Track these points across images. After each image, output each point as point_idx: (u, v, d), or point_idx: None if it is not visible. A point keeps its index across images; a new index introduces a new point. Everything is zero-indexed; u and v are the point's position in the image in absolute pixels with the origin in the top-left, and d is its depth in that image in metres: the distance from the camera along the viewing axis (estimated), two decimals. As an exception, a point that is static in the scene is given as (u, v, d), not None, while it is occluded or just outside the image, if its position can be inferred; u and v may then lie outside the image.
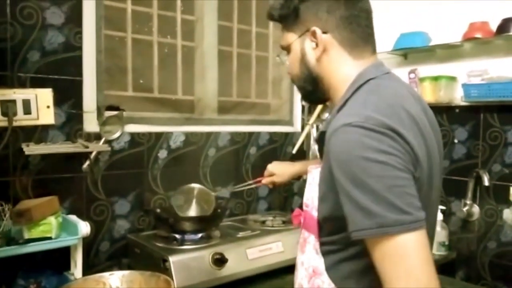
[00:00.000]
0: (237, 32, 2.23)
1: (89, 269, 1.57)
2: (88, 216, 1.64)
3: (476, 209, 1.88)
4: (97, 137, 1.66)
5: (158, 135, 1.86)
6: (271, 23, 2.35)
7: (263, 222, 1.96)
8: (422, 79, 1.97)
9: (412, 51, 2.05)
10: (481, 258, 1.88)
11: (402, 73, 1.98)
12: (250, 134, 2.18)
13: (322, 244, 0.87)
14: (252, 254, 1.64)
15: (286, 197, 2.36)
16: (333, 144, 0.74)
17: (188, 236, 1.63)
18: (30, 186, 1.53)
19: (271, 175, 1.48)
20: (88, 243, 1.64)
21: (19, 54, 1.49)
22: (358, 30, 0.86)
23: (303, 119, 2.40)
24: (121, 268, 1.69)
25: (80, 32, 1.62)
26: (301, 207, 0.99)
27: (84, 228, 1.42)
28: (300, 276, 0.94)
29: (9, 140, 1.44)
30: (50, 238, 1.35)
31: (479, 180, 1.84)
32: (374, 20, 0.89)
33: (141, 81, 1.92)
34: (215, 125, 2.08)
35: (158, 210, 1.77)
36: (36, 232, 1.33)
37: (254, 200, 2.21)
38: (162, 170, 1.87)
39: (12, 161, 1.49)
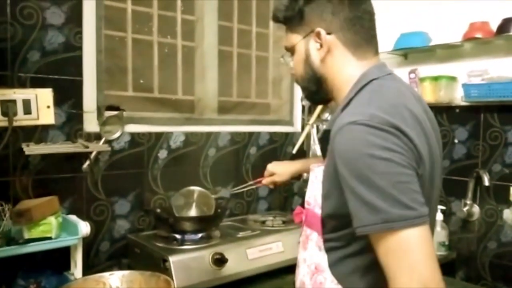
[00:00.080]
0: (237, 32, 2.23)
1: (89, 269, 1.57)
2: (88, 216, 1.64)
3: (476, 209, 1.88)
4: (97, 137, 1.66)
5: (158, 135, 1.86)
6: (271, 23, 2.35)
7: (263, 222, 1.96)
8: (422, 79, 1.97)
9: (412, 51, 2.05)
10: (481, 258, 1.88)
11: (402, 73, 1.97)
12: (250, 134, 2.18)
13: (325, 241, 0.89)
14: (252, 254, 1.64)
15: (286, 197, 2.36)
16: (338, 142, 0.76)
17: (188, 236, 1.63)
18: (30, 186, 1.53)
19: (271, 175, 1.48)
20: (88, 243, 1.64)
21: (19, 54, 1.49)
22: (362, 32, 0.88)
23: (303, 119, 2.40)
24: (121, 268, 1.69)
25: (80, 32, 1.62)
26: (302, 206, 1.00)
27: (84, 228, 1.42)
28: (302, 273, 0.94)
29: (9, 140, 1.44)
30: (50, 238, 1.35)
31: (479, 180, 1.84)
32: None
33: (141, 81, 1.92)
34: (215, 125, 2.08)
35: (158, 210, 1.77)
36: (36, 232, 1.33)
37: (254, 200, 2.21)
38: (162, 170, 1.87)
39: (12, 161, 1.49)
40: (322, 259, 0.88)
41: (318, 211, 0.89)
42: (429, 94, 1.93)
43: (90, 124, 1.66)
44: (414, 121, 0.78)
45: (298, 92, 2.41)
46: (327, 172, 0.84)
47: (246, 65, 2.29)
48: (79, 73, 1.63)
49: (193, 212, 1.77)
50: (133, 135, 1.78)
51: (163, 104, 1.99)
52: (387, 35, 1.96)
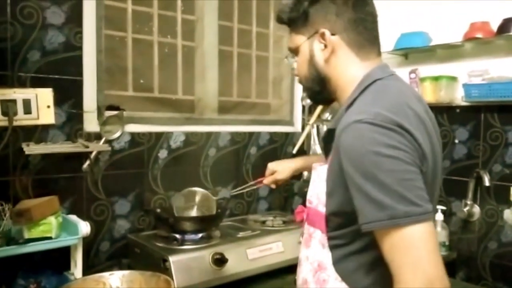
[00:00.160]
0: (238, 32, 2.23)
1: (89, 269, 1.57)
2: (88, 216, 1.64)
3: (476, 209, 1.87)
4: (97, 137, 1.66)
5: (158, 135, 1.86)
6: (271, 23, 2.35)
7: (263, 222, 1.96)
8: (422, 79, 1.97)
9: (413, 51, 2.05)
10: (481, 258, 1.88)
11: (403, 73, 1.97)
12: (251, 134, 2.18)
13: (329, 238, 0.89)
14: (252, 254, 1.64)
15: (286, 197, 2.36)
16: (343, 140, 0.77)
17: (188, 236, 1.63)
18: (30, 186, 1.52)
19: (273, 173, 1.48)
20: (88, 243, 1.64)
21: (19, 54, 1.49)
22: (365, 33, 0.89)
23: (303, 119, 2.40)
24: (121, 268, 1.69)
25: (81, 32, 1.62)
26: (303, 205, 1.00)
27: (84, 228, 1.42)
28: (305, 270, 0.95)
29: (9, 139, 1.44)
30: (50, 238, 1.35)
31: (479, 180, 1.84)
32: (375, 20, 0.91)
33: (141, 81, 1.92)
34: (215, 125, 2.07)
35: (158, 210, 1.77)
36: (36, 232, 1.33)
37: (254, 200, 2.21)
38: (162, 170, 1.87)
39: (12, 161, 1.49)
40: (326, 256, 0.89)
41: (321, 209, 0.90)
42: (430, 94, 1.93)
43: (90, 124, 1.66)
44: (417, 120, 0.79)
45: (298, 92, 2.41)
46: (331, 170, 0.85)
47: (246, 65, 2.29)
48: (79, 73, 1.63)
49: (193, 214, 1.77)
50: (133, 135, 1.78)
51: (163, 104, 1.99)
52: (387, 35, 1.95)
